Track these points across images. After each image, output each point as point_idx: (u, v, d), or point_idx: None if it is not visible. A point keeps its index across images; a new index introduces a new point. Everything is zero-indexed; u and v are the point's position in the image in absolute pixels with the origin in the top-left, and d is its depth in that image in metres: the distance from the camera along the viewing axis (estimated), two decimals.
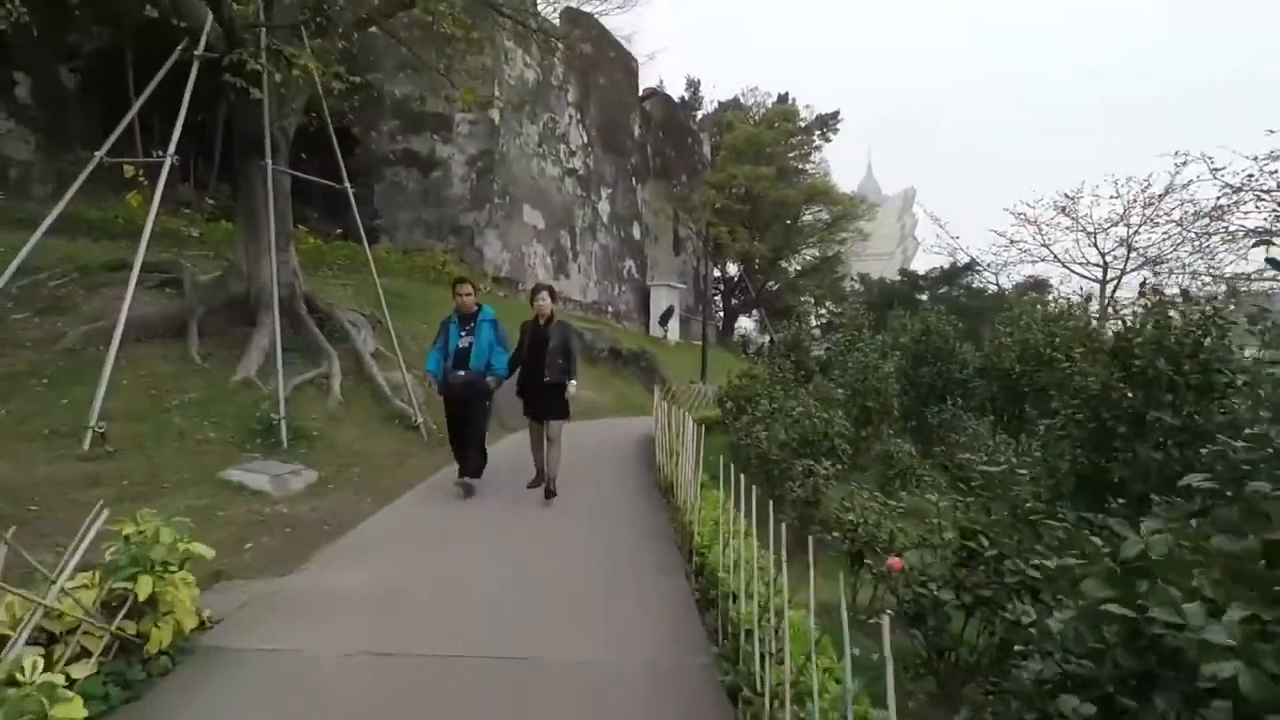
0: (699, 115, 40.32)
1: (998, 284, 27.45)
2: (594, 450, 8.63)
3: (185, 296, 8.46)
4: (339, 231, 14.03)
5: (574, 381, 5.51)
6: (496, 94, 17.51)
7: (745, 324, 40.95)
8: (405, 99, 17.45)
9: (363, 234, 8.28)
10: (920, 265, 34.82)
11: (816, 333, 27.30)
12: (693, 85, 42.59)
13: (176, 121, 6.86)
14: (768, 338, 35.48)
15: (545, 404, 5.54)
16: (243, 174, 8.12)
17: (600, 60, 23.15)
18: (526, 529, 4.85)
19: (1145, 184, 22.02)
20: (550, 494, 5.52)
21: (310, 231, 13.69)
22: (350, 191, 8.16)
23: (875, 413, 8.08)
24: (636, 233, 26.75)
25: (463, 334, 5.55)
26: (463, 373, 5.45)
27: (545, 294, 5.65)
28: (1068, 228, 24.41)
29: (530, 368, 5.51)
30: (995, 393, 10.53)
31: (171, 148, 6.77)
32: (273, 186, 7.93)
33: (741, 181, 29.80)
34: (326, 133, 8.41)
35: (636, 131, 26.81)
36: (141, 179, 9.53)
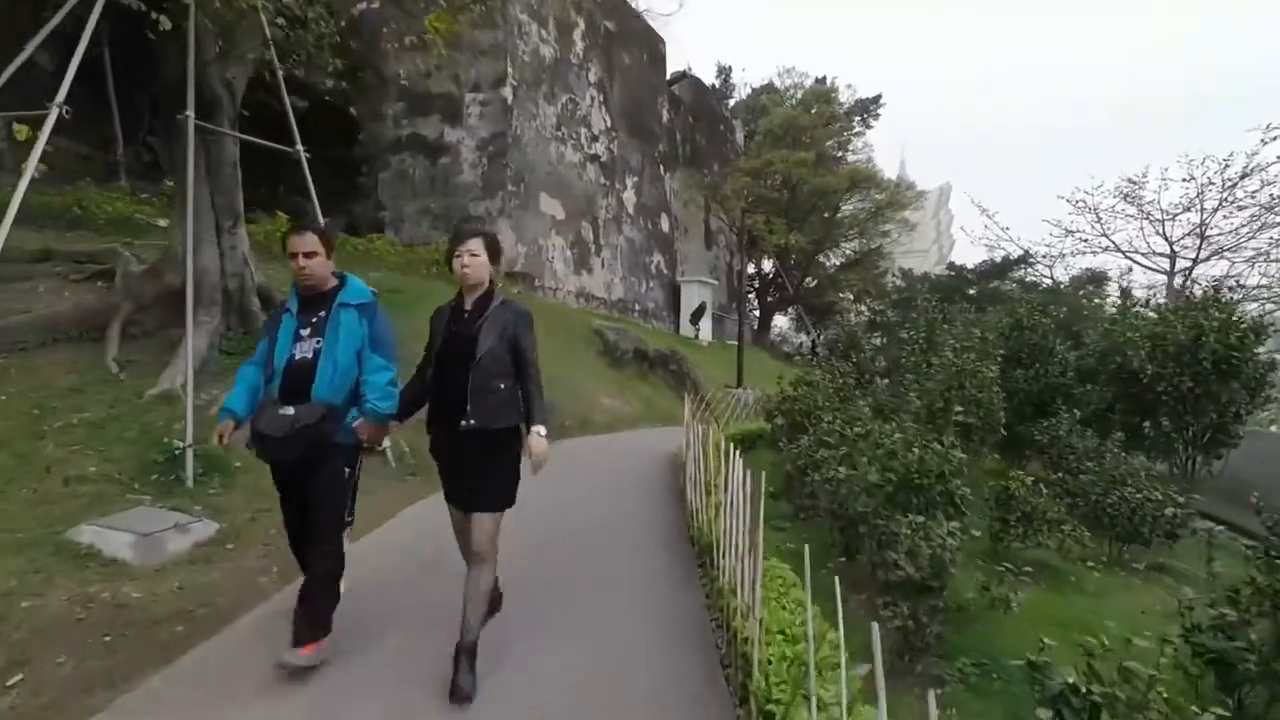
0: (731, 103, 38.40)
1: (1052, 277, 25.30)
2: (608, 475, 6.97)
3: (115, 290, 7.00)
4: (325, 221, 12.63)
5: (541, 429, 2.61)
6: (509, 70, 15.95)
7: (780, 322, 38.83)
8: (410, 79, 16.02)
9: (317, 206, 6.71)
10: (958, 261, 32.43)
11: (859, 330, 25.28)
12: (724, 72, 40.72)
13: (70, 65, 5.54)
14: (805, 336, 33.39)
15: (468, 474, 2.69)
16: (176, 139, 6.62)
17: (624, 37, 21.46)
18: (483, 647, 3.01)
19: (1224, 164, 19.48)
20: (464, 675, 2.52)
21: (299, 223, 12.28)
22: (305, 157, 6.59)
23: (976, 431, 6.19)
24: (665, 225, 24.96)
25: (303, 332, 2.75)
26: (290, 410, 2.60)
27: (476, 245, 2.71)
28: (1131, 215, 21.91)
29: (443, 397, 2.70)
30: (1112, 401, 8.51)
31: (61, 96, 5.43)
32: (208, 152, 6.51)
33: (778, 168, 27.76)
34: (285, 91, 6.90)
35: (664, 116, 25.00)
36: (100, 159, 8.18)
